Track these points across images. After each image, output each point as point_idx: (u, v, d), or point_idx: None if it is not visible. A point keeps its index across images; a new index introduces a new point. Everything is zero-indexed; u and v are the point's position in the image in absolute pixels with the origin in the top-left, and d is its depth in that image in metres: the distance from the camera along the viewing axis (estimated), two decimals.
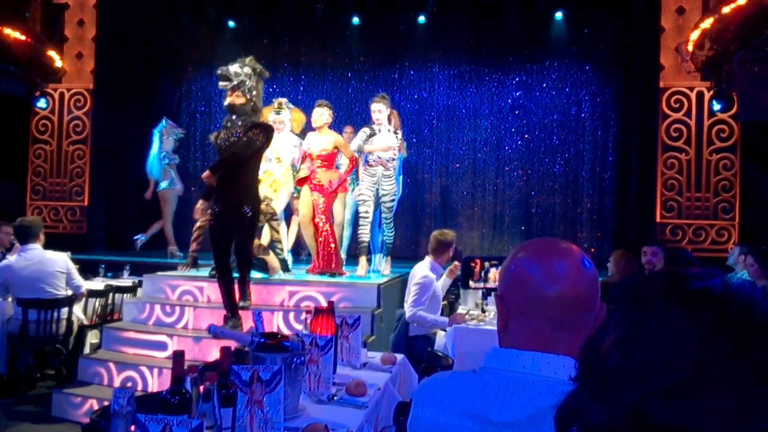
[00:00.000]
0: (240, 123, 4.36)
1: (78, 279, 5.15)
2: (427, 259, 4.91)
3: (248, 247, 4.54)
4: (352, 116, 7.40)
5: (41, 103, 8.42)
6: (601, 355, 0.60)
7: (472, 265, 4.51)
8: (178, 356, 1.71)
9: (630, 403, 0.55)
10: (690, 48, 7.11)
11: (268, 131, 4.47)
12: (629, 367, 0.57)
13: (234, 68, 4.37)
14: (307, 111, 6.31)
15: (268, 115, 6.14)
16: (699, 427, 0.52)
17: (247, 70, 4.38)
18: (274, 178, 6.07)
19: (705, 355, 0.54)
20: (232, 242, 4.46)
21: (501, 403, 1.03)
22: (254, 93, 4.39)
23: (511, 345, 1.08)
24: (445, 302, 5.23)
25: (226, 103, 4.41)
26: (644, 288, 0.62)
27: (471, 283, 4.53)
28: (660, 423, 0.53)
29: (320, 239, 5.77)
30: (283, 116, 6.26)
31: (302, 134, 6.62)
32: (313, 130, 6.02)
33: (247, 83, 4.35)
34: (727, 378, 0.53)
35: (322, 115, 5.87)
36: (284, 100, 6.41)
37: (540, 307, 1.06)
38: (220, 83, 4.38)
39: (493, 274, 4.49)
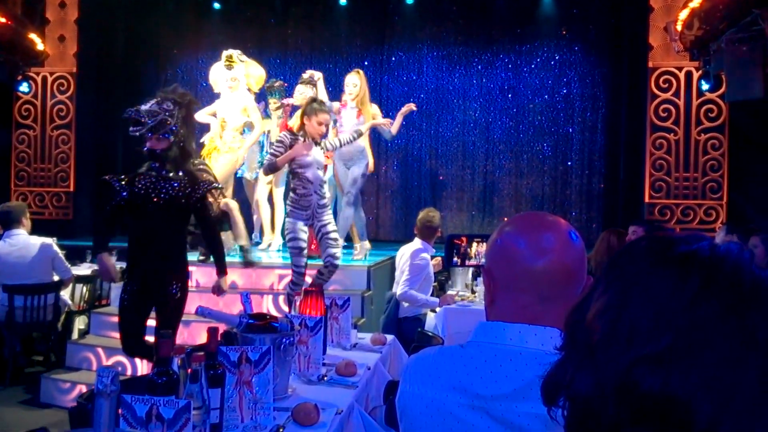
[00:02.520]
0: (169, 172, 3.41)
1: (65, 264, 5.11)
2: (417, 241, 4.92)
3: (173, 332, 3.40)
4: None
5: (23, 87, 8.28)
6: (586, 323, 0.59)
7: (457, 242, 4.51)
8: (164, 337, 1.70)
9: (617, 371, 0.54)
10: (679, 28, 7.09)
11: (212, 188, 3.57)
12: (615, 335, 0.56)
13: (147, 107, 3.39)
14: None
15: (217, 73, 5.44)
16: (688, 393, 0.52)
17: (168, 105, 3.40)
18: (214, 144, 5.32)
19: (693, 320, 0.53)
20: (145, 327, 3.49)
21: (488, 376, 1.03)
22: (181, 132, 3.41)
23: (499, 318, 1.08)
24: (435, 283, 5.25)
25: (145, 148, 3.44)
26: (629, 254, 0.61)
27: (457, 260, 4.55)
28: (648, 390, 0.52)
29: None
30: (236, 72, 5.40)
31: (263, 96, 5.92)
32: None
33: (168, 122, 3.36)
34: (716, 342, 0.53)
35: (302, 93, 5.66)
36: (236, 52, 5.51)
37: (527, 280, 1.06)
38: (131, 128, 3.37)
39: (474, 249, 4.49)
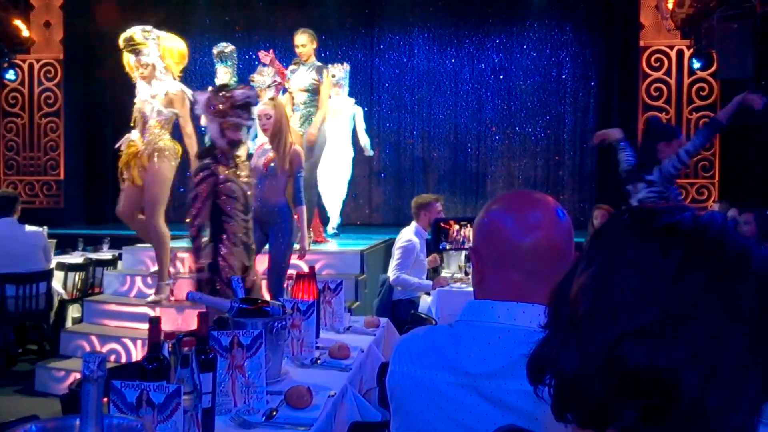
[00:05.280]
0: None
1: (49, 255, 5.09)
2: (413, 224, 4.92)
3: None
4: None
5: (10, 74, 8.18)
6: (569, 299, 0.58)
7: (445, 226, 4.50)
8: (153, 322, 1.68)
9: (602, 347, 0.54)
10: (670, 6, 7.06)
11: None
12: (600, 310, 0.55)
13: None
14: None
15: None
16: (674, 366, 0.51)
17: None
18: (134, 149, 4.29)
19: (678, 292, 0.52)
20: None
21: (477, 354, 1.03)
22: None
23: (487, 297, 1.08)
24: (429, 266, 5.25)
25: None
26: (612, 228, 0.60)
27: (447, 246, 4.55)
28: (634, 365, 0.52)
29: None
30: (146, 56, 4.19)
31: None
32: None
33: None
34: (702, 314, 0.52)
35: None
36: (140, 29, 4.27)
37: (515, 258, 1.05)
38: None
39: (461, 233, 4.48)
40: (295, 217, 4.07)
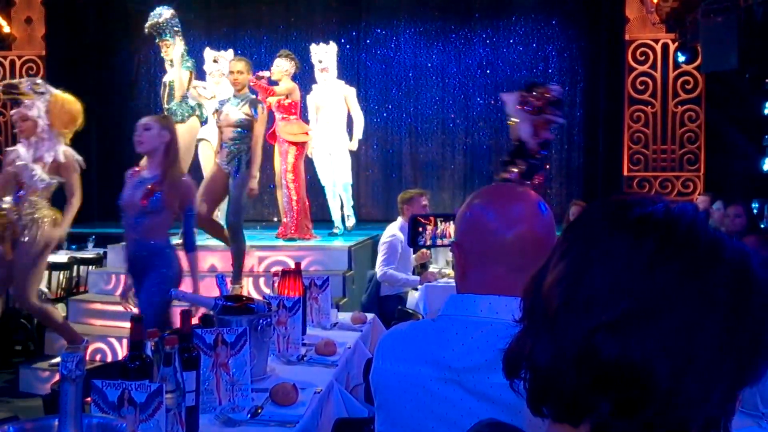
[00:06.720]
0: None
1: None
2: (399, 219, 4.92)
3: None
4: (313, 75, 7.13)
5: None
6: (543, 292, 0.57)
7: (424, 222, 4.48)
8: (136, 320, 1.67)
9: (575, 339, 0.53)
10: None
11: None
12: (573, 303, 0.54)
13: None
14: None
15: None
16: (647, 358, 0.51)
17: None
18: (7, 217, 3.85)
19: (650, 284, 0.52)
20: None
21: (460, 349, 1.02)
22: None
23: (470, 291, 1.07)
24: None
25: None
26: (585, 220, 0.60)
27: (427, 241, 4.54)
28: (607, 358, 0.51)
29: (287, 201, 5.62)
30: (28, 108, 3.75)
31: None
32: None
33: None
34: (674, 305, 0.52)
35: (278, 66, 5.52)
36: (26, 81, 3.86)
37: (498, 252, 1.05)
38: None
39: (440, 229, 4.45)
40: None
